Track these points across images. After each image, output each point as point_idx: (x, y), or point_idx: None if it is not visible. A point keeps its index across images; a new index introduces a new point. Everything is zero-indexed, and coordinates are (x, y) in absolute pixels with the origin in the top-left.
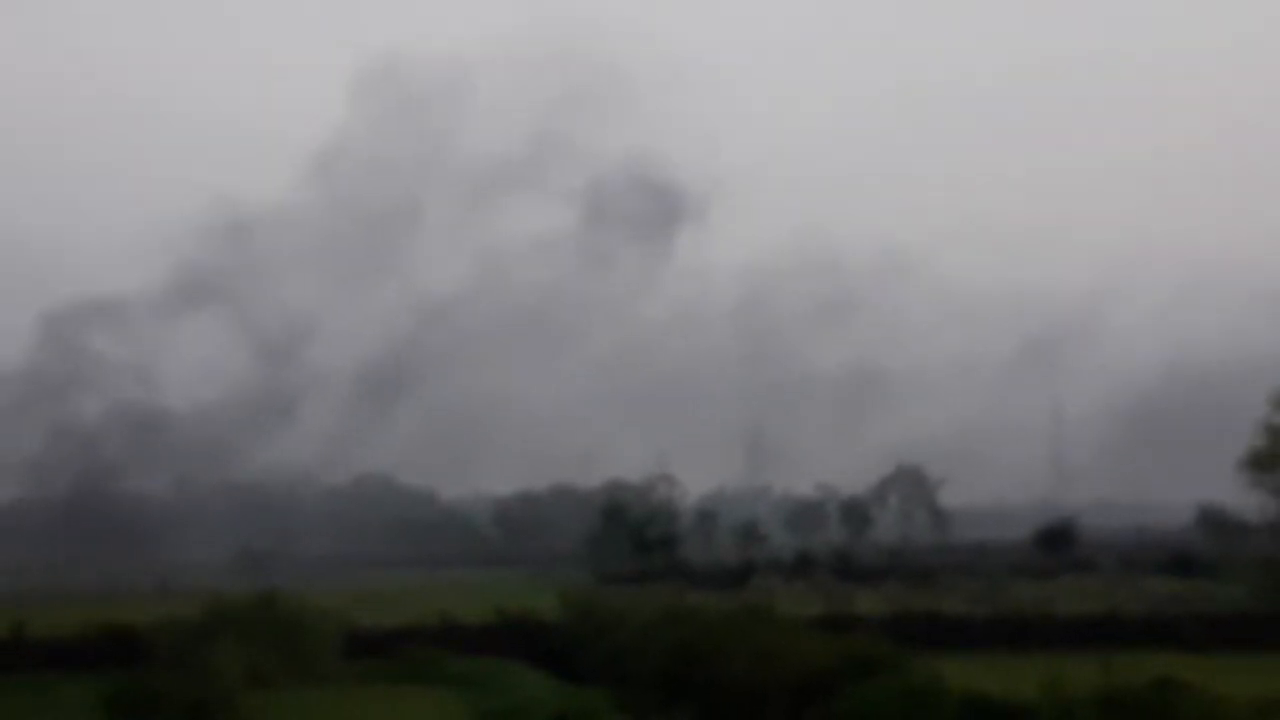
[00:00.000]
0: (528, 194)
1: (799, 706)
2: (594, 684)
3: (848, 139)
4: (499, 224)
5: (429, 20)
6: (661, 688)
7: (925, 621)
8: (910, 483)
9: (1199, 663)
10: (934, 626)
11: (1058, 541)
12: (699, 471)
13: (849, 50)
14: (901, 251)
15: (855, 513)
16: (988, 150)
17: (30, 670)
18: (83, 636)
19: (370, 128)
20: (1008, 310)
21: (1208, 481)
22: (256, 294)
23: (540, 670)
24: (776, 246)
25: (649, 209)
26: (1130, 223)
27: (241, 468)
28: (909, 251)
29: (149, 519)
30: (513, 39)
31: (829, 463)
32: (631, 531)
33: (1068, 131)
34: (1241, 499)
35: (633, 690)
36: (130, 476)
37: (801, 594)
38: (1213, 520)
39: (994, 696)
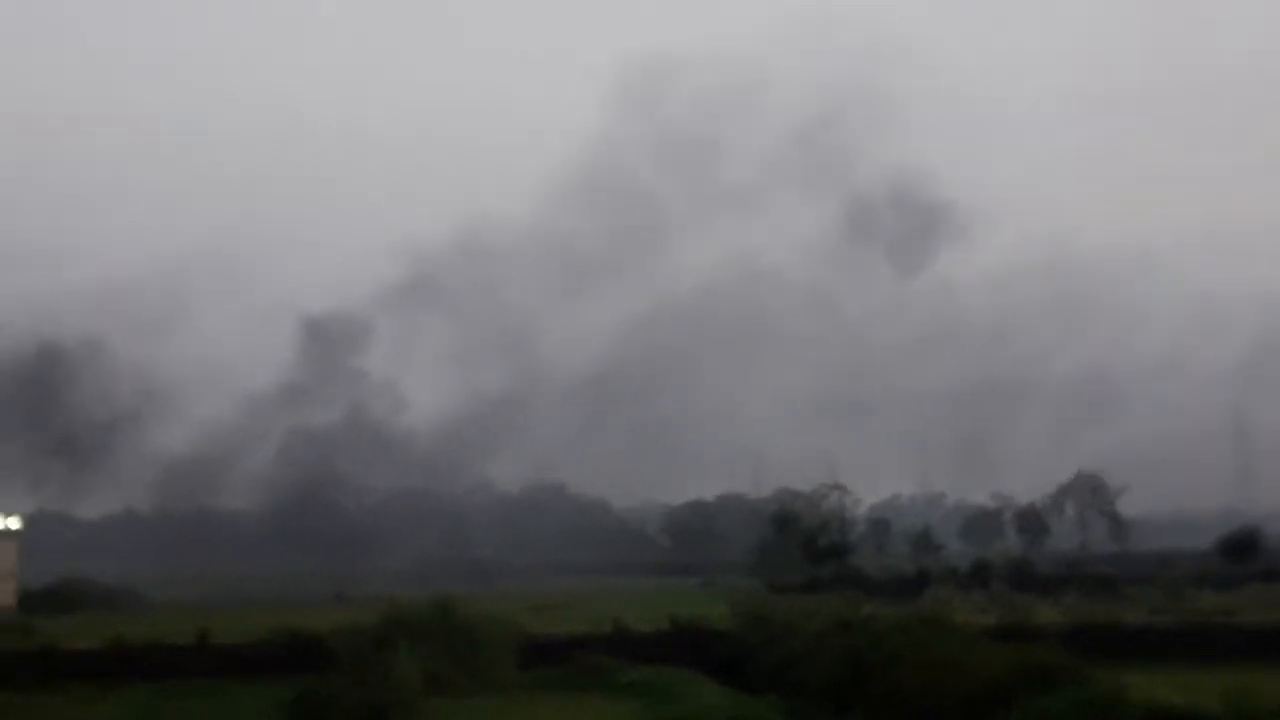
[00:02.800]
0: (784, 204)
1: (974, 719)
2: (764, 693)
3: (1095, 143)
4: (748, 235)
5: (691, 25)
6: (832, 697)
7: (1105, 632)
8: (1089, 490)
9: None
10: (1114, 637)
11: (1242, 550)
12: (875, 480)
13: (1098, 55)
14: (1141, 254)
15: (1032, 521)
16: (1230, 148)
17: (212, 676)
18: (265, 642)
19: (625, 134)
20: (1240, 313)
21: None
22: (500, 308)
23: (711, 679)
24: (1015, 257)
25: (908, 225)
26: None
27: (458, 481)
28: (1149, 254)
29: (344, 528)
30: (781, 44)
31: (1012, 470)
32: (803, 540)
33: None
34: None
35: (803, 699)
36: (349, 490)
37: (978, 604)
38: None
39: (1178, 708)
